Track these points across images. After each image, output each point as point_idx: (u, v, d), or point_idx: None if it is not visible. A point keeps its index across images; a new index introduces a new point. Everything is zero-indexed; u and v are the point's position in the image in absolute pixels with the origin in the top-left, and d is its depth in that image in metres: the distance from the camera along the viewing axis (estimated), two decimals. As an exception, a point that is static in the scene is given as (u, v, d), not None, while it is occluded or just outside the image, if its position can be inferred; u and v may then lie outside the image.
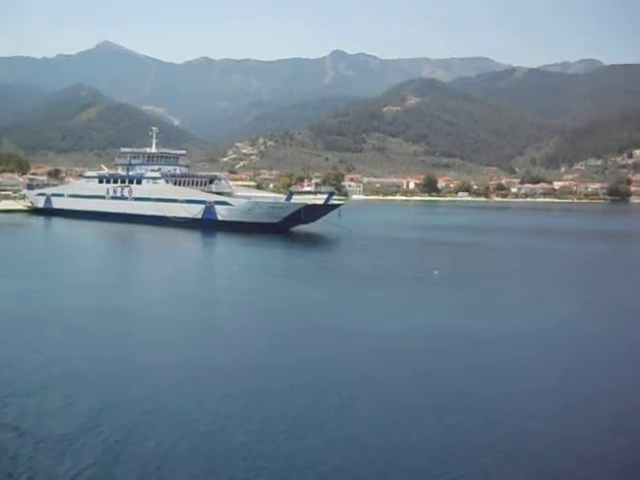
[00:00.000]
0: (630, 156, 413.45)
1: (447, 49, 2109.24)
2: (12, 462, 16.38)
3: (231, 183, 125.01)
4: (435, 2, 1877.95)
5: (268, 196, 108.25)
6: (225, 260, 66.63)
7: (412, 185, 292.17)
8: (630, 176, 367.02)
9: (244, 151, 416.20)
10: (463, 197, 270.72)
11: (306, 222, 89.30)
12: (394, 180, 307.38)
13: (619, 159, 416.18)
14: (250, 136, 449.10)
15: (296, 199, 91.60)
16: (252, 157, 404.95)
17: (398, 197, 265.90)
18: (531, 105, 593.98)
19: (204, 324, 33.33)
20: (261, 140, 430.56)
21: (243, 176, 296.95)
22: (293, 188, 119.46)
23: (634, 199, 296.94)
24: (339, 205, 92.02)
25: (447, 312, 37.07)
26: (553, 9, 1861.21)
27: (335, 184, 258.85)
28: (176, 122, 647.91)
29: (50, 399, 21.00)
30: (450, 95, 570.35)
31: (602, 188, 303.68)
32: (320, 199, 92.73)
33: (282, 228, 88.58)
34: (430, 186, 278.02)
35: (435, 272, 51.86)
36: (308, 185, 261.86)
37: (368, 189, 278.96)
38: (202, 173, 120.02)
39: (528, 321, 35.27)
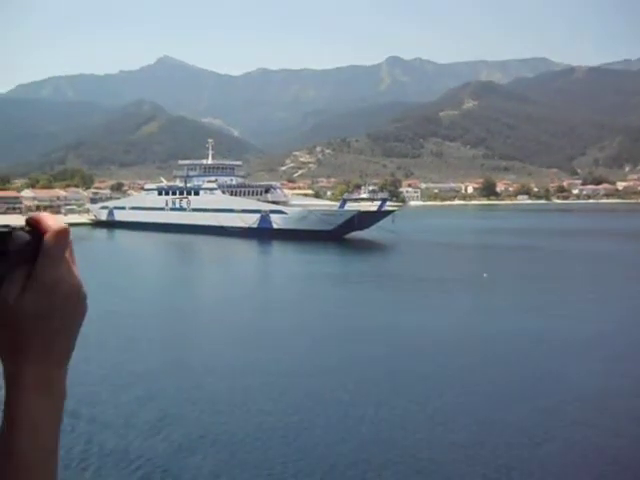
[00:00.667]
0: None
1: (504, 51, 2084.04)
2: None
3: (288, 192, 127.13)
4: (489, 4, 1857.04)
5: (322, 204, 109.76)
6: (281, 267, 68.10)
7: (470, 189, 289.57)
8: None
9: (302, 160, 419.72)
10: (523, 200, 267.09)
11: (360, 229, 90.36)
12: (452, 185, 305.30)
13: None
14: (307, 145, 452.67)
15: (349, 206, 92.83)
16: (310, 165, 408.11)
17: (456, 202, 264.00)
18: (592, 104, 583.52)
19: (282, 327, 34.57)
20: (318, 148, 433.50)
21: (301, 185, 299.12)
22: (347, 195, 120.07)
23: None
24: (393, 211, 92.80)
25: (479, 314, 37.74)
26: (611, 6, 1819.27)
27: (392, 190, 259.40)
28: (235, 133, 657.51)
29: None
30: (508, 97, 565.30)
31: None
32: (374, 206, 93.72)
33: (336, 235, 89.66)
34: (489, 190, 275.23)
35: (485, 275, 52.27)
36: (364, 192, 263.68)
37: (426, 195, 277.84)
38: (257, 183, 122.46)
39: (558, 323, 35.44)
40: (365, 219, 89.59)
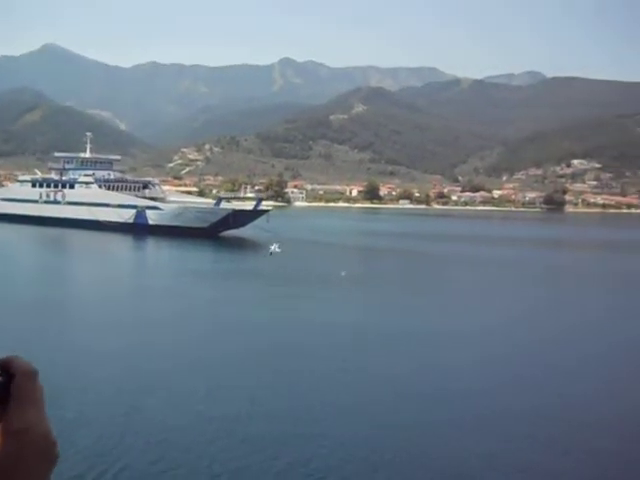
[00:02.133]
0: (569, 166, 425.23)
1: (395, 58, 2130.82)
2: None
3: (172, 189, 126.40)
4: (383, 11, 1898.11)
5: (198, 201, 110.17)
6: (148, 262, 68.35)
7: (355, 192, 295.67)
8: (568, 185, 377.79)
9: (190, 157, 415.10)
10: (404, 205, 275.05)
11: (235, 227, 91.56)
12: (337, 187, 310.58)
13: (558, 169, 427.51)
14: (197, 142, 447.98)
15: (225, 205, 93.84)
16: (198, 163, 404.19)
17: (340, 204, 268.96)
18: (475, 115, 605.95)
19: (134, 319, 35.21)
20: (207, 146, 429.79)
21: (187, 182, 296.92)
22: (223, 194, 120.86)
23: (568, 208, 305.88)
24: (268, 211, 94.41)
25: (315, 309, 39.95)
26: (498, 21, 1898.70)
27: (277, 190, 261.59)
28: (122, 126, 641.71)
29: None
30: (396, 104, 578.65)
31: (539, 197, 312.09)
32: (249, 205, 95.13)
33: (211, 233, 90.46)
34: (372, 193, 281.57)
35: (343, 274, 54.61)
36: (250, 192, 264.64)
37: (311, 196, 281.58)
38: (136, 178, 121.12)
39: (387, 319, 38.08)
40: (240, 218, 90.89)
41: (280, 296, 44.85)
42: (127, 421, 20.35)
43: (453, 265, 72.51)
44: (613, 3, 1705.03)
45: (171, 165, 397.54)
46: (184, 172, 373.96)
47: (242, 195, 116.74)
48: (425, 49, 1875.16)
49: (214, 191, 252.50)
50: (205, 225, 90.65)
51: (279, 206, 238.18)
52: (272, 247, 54.16)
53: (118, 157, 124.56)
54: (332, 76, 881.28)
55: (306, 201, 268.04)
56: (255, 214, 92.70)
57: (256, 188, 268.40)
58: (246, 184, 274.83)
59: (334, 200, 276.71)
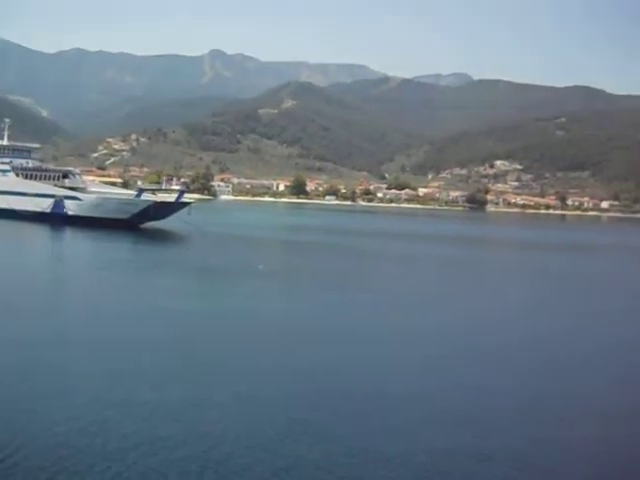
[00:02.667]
0: (492, 167, 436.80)
1: (325, 54, 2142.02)
2: None
3: (94, 179, 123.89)
4: (315, 7, 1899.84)
5: (119, 192, 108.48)
6: (62, 252, 67.14)
7: (282, 187, 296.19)
8: (490, 185, 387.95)
9: (115, 147, 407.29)
10: (330, 200, 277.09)
11: (156, 219, 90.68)
12: (264, 182, 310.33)
13: (482, 169, 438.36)
14: (123, 132, 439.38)
15: (146, 196, 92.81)
16: (123, 153, 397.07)
17: (267, 198, 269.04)
18: (403, 114, 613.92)
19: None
20: (133, 136, 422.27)
21: (112, 172, 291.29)
22: (144, 186, 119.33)
23: (490, 207, 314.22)
24: (190, 203, 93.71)
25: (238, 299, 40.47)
26: (427, 21, 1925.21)
27: (204, 183, 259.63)
28: (44, 113, 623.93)
29: None
30: (326, 100, 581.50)
31: (462, 196, 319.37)
32: (171, 197, 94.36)
33: (132, 224, 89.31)
34: (298, 188, 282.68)
35: (260, 267, 55.07)
36: (176, 184, 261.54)
37: (238, 190, 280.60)
38: (55, 167, 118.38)
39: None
40: (161, 209, 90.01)
41: (192, 288, 45.00)
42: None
43: (372, 260, 73.81)
44: (537, 8, 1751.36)
45: (95, 155, 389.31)
46: (109, 162, 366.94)
47: (164, 187, 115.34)
48: (355, 46, 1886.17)
49: (139, 182, 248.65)
50: (126, 216, 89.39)
51: (205, 199, 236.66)
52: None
53: (37, 145, 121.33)
54: (262, 70, 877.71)
55: (232, 195, 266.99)
56: (177, 206, 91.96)
57: (182, 180, 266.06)
58: (172, 176, 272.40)
59: (260, 194, 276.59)
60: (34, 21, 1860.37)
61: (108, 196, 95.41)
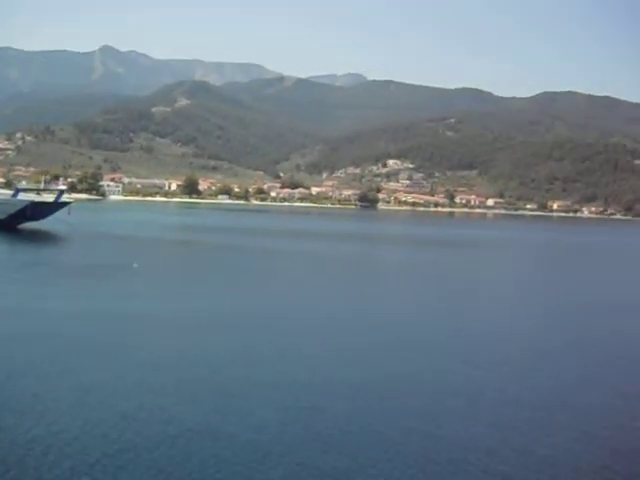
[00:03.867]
0: (384, 166, 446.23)
1: (221, 53, 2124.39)
2: None
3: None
4: (210, 5, 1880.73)
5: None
6: None
7: (174, 187, 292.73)
8: (383, 184, 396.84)
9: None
10: (223, 200, 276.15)
11: (34, 219, 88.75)
12: (156, 181, 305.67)
13: (375, 168, 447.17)
14: (7, 130, 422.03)
15: (23, 196, 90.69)
16: (8, 152, 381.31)
17: (158, 198, 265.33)
18: (298, 113, 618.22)
19: None
20: (19, 135, 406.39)
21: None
22: (21, 185, 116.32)
23: (381, 205, 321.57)
24: (69, 203, 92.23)
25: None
26: (323, 22, 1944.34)
27: (92, 183, 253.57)
28: None
29: None
30: (221, 99, 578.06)
31: (354, 194, 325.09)
32: (50, 197, 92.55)
33: (9, 225, 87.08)
34: (191, 188, 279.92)
35: (135, 265, 55.45)
36: (62, 184, 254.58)
37: (128, 190, 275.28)
38: None
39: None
40: (39, 210, 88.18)
41: (64, 286, 45.01)
42: None
43: (253, 256, 75.09)
44: (427, 10, 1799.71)
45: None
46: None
47: (42, 187, 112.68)
48: (251, 46, 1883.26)
49: (23, 182, 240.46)
50: (1, 217, 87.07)
51: (93, 200, 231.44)
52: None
53: None
54: (156, 68, 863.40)
55: (122, 195, 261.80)
56: (56, 206, 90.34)
57: (69, 180, 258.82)
58: (58, 176, 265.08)
59: (152, 194, 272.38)
60: None
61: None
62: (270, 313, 40.06)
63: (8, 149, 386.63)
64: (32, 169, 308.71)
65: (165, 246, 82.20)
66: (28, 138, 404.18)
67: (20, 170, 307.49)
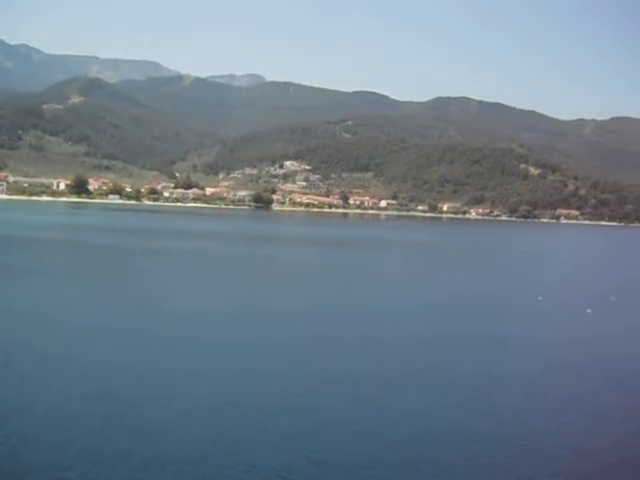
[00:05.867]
0: (281, 167, 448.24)
1: (116, 50, 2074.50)
2: None
3: None
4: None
5: None
6: None
7: (62, 186, 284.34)
8: (280, 185, 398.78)
9: None
10: (114, 200, 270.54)
11: None
12: (44, 180, 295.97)
13: (272, 169, 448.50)
14: None
15: None
16: None
17: (45, 198, 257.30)
18: (196, 113, 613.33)
19: None
20: None
21: None
22: None
23: (275, 206, 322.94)
24: None
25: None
26: (222, 21, 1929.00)
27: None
28: None
29: None
30: (116, 97, 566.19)
31: (249, 195, 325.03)
32: None
33: None
34: (80, 187, 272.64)
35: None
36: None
37: (14, 189, 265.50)
38: None
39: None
40: None
41: None
42: None
43: (125, 256, 74.49)
44: (327, 12, 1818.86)
45: None
46: None
47: None
48: (148, 43, 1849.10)
49: None
50: None
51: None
52: None
53: None
54: (48, 63, 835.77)
55: (6, 194, 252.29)
56: None
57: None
58: None
59: (38, 194, 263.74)
60: None
61: None
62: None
63: None
64: None
65: (32, 245, 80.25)
66: None
67: None
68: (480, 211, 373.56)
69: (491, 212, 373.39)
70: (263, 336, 35.99)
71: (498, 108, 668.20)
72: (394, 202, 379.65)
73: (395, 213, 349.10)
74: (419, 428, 23.61)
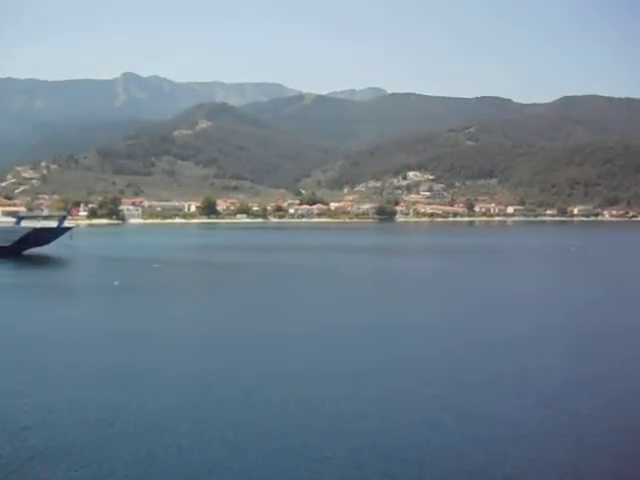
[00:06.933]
0: (405, 178, 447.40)
1: (241, 74, 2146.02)
2: None
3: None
4: (228, 27, 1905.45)
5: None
6: None
7: (193, 208, 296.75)
8: (403, 197, 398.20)
9: (25, 175, 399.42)
10: (242, 219, 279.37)
11: (39, 244, 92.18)
12: (176, 204, 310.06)
13: (395, 181, 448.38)
14: (34, 160, 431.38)
15: (25, 223, 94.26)
16: (33, 181, 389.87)
17: (177, 220, 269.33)
18: (319, 130, 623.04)
19: None
20: (44, 164, 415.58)
21: (17, 201, 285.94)
22: (23, 213, 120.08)
23: (399, 217, 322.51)
24: (70, 228, 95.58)
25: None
26: (340, 37, 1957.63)
27: (112, 208, 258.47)
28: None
29: None
30: (241, 119, 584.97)
31: (372, 208, 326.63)
32: (53, 223, 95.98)
33: (15, 251, 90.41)
34: (209, 209, 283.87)
35: (115, 283, 58.01)
36: (83, 210, 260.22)
37: (148, 213, 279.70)
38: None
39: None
40: (42, 235, 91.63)
41: (42, 302, 47.61)
42: None
43: (249, 272, 76.88)
44: (443, 21, 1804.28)
45: (4, 184, 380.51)
46: (18, 191, 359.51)
47: (43, 213, 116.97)
48: (271, 65, 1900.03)
49: (45, 210, 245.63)
50: (7, 244, 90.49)
51: (113, 224, 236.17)
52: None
53: None
54: (177, 92, 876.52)
55: (142, 218, 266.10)
56: (58, 232, 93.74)
57: (89, 206, 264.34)
58: (79, 203, 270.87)
59: (171, 217, 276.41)
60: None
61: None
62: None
63: (33, 178, 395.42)
64: (56, 197, 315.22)
65: (154, 265, 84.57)
66: (53, 167, 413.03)
67: (44, 198, 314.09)
68: (614, 212, 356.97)
69: (626, 213, 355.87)
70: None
71: (629, 103, 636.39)
72: (521, 208, 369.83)
73: (523, 219, 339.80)
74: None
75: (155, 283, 63.99)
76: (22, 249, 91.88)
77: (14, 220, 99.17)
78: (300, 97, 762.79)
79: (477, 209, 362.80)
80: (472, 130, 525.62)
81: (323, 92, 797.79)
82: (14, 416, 23.11)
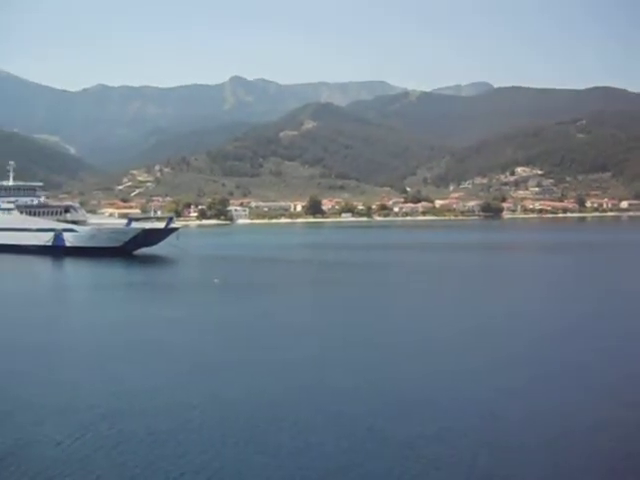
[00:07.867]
0: (512, 174, 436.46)
1: (345, 73, 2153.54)
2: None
3: (113, 211, 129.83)
4: (332, 27, 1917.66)
5: (112, 222, 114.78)
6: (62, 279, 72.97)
7: (299, 208, 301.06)
8: (511, 192, 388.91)
9: (140, 178, 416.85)
10: (346, 218, 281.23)
11: (148, 245, 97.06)
12: (282, 204, 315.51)
13: (502, 177, 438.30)
14: (148, 163, 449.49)
15: (135, 224, 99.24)
16: (148, 184, 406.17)
17: (283, 220, 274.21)
18: (424, 127, 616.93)
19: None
20: (157, 167, 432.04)
21: (133, 204, 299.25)
22: (132, 215, 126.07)
23: (506, 214, 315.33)
24: (177, 229, 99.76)
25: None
26: (444, 33, 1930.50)
27: (220, 209, 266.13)
28: (72, 150, 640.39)
29: None
30: (346, 118, 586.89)
31: (477, 205, 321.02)
32: (161, 224, 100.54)
33: (125, 251, 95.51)
34: (314, 208, 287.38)
35: (215, 281, 60.44)
36: (194, 211, 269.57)
37: (255, 213, 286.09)
38: (57, 203, 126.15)
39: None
40: (151, 236, 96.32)
41: (143, 298, 50.40)
42: None
43: (348, 270, 77.91)
44: (548, 15, 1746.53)
45: (120, 187, 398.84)
46: (134, 194, 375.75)
47: (152, 215, 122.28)
48: (374, 63, 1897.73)
49: (158, 212, 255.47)
50: (118, 244, 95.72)
51: (221, 224, 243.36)
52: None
53: (40, 183, 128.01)
54: (282, 93, 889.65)
55: (249, 218, 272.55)
56: (166, 232, 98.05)
57: (199, 207, 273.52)
58: (190, 204, 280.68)
59: (277, 217, 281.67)
60: (58, 61, 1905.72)
61: (102, 227, 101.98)
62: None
63: (148, 181, 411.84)
64: (169, 199, 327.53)
65: (257, 263, 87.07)
66: (166, 170, 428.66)
67: (157, 200, 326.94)
68: None
69: None
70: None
71: None
72: (636, 202, 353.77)
73: (638, 214, 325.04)
74: None
75: (251, 280, 66.08)
76: (132, 249, 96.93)
77: (125, 222, 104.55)
78: (405, 94, 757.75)
79: (588, 204, 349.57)
80: (583, 122, 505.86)
81: (428, 89, 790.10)
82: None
